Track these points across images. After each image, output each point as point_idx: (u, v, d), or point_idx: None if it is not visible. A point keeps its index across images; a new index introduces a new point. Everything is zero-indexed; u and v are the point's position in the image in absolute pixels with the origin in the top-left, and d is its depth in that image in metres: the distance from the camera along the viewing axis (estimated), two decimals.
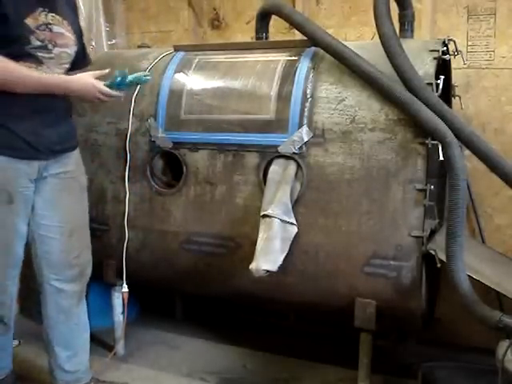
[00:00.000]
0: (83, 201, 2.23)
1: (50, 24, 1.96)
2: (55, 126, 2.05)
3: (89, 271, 2.26)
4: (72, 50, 2.07)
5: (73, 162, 2.16)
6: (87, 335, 2.30)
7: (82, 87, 1.98)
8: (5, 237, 2.00)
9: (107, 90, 1.99)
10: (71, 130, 2.17)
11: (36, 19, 1.91)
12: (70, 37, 2.05)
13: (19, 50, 1.88)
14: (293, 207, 2.19)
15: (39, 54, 1.93)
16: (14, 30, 1.86)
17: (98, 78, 2.03)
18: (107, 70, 2.07)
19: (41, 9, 1.93)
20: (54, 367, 2.23)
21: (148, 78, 2.09)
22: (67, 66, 2.06)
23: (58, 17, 2.00)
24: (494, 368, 1.82)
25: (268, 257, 2.10)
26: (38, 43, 1.92)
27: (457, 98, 2.54)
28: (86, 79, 1.98)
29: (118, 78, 1.99)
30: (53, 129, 2.04)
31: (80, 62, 2.14)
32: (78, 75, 2.01)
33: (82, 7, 3.24)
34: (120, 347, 2.71)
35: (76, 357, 2.24)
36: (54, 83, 1.95)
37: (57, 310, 2.18)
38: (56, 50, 1.98)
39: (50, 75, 1.96)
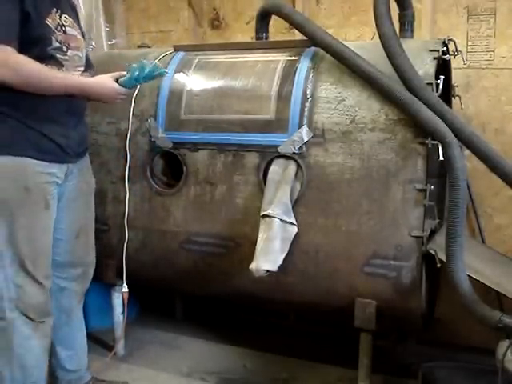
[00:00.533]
0: (91, 203, 2.25)
1: (64, 26, 1.95)
2: (77, 127, 2.06)
3: (91, 271, 2.27)
4: (83, 53, 2.07)
5: (86, 165, 2.18)
6: (85, 334, 2.32)
7: (102, 90, 1.99)
8: (49, 244, 2.00)
9: (125, 90, 2.00)
10: (87, 132, 2.19)
11: (54, 19, 1.91)
12: (81, 39, 2.05)
13: (41, 51, 1.86)
14: (293, 207, 2.19)
15: (58, 55, 1.91)
16: (37, 29, 1.85)
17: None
18: (125, 73, 2.05)
19: (55, 9, 1.92)
20: (56, 368, 2.23)
21: (164, 70, 2.07)
22: (81, 69, 2.05)
23: (70, 18, 1.99)
24: (494, 368, 1.82)
25: (268, 257, 2.10)
26: (57, 44, 1.91)
27: (457, 98, 2.54)
28: (106, 82, 1.98)
29: (136, 72, 1.97)
30: (76, 131, 2.04)
31: (87, 65, 2.12)
32: (98, 77, 2.01)
33: (82, 7, 3.24)
34: (120, 347, 2.71)
35: (77, 355, 2.26)
36: (75, 85, 1.94)
37: (59, 310, 2.17)
38: (70, 53, 1.97)
39: (72, 76, 1.95)
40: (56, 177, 1.97)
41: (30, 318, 1.95)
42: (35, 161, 1.89)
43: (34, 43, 1.85)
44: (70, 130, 2.00)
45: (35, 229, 1.94)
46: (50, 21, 1.89)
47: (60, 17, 1.94)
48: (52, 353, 2.22)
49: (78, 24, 2.10)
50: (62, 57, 1.93)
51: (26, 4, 1.80)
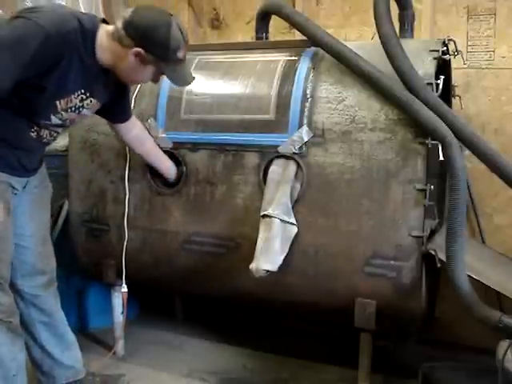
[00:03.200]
0: (49, 209, 2.25)
1: (83, 107, 1.95)
2: (41, 152, 2.09)
3: (55, 276, 2.26)
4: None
5: (43, 171, 2.18)
6: (69, 328, 2.30)
7: None
8: (9, 250, 1.98)
9: None
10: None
11: (69, 101, 1.88)
12: (88, 115, 2.06)
13: (35, 119, 1.89)
14: (293, 207, 2.19)
15: (51, 128, 1.95)
16: (43, 103, 1.84)
17: None
18: None
19: (81, 91, 1.89)
20: (52, 367, 2.23)
21: None
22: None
23: (94, 101, 1.98)
24: (494, 368, 1.82)
25: (268, 257, 2.10)
26: (59, 122, 1.93)
27: (457, 97, 2.54)
28: None
29: None
30: (40, 154, 2.09)
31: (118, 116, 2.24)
32: None
33: (82, 7, 3.24)
34: (120, 347, 2.71)
35: (69, 350, 2.27)
36: None
37: (39, 314, 2.18)
38: (67, 123, 2.00)
39: None
40: (13, 187, 1.97)
41: None
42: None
43: (34, 112, 1.86)
44: (33, 157, 2.03)
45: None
46: (62, 102, 1.87)
47: (84, 99, 1.92)
48: (46, 355, 2.22)
49: (106, 100, 2.05)
50: (55, 129, 1.97)
51: (47, 79, 1.76)
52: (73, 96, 1.89)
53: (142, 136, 2.37)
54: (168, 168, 2.43)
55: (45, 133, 1.98)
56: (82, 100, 1.93)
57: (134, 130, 2.32)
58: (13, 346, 1.98)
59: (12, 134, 1.89)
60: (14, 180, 1.97)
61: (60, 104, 1.87)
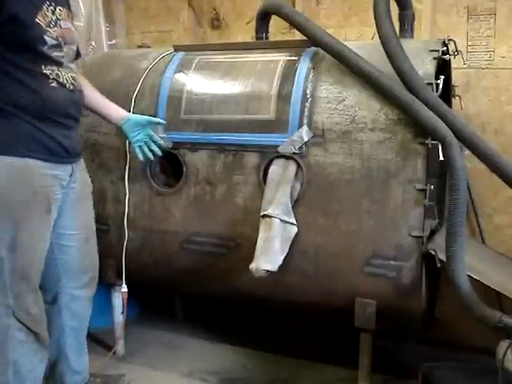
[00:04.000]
0: (92, 203, 2.24)
1: (59, 19, 1.89)
2: (75, 128, 2.03)
3: (97, 275, 2.27)
4: (75, 46, 2.02)
5: (83, 166, 2.16)
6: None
7: None
8: (44, 251, 1.95)
9: None
10: (79, 133, 2.15)
11: (45, 16, 1.83)
12: (74, 31, 2.01)
13: (36, 52, 1.82)
14: (293, 207, 2.19)
15: (55, 53, 1.87)
16: (26, 30, 1.78)
17: None
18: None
19: (47, 3, 1.85)
20: (65, 372, 2.21)
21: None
22: (74, 62, 2.02)
23: (64, 10, 1.93)
24: (494, 368, 1.82)
25: (268, 257, 2.10)
26: (54, 42, 1.86)
27: (457, 97, 2.54)
28: None
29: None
30: (74, 131, 2.02)
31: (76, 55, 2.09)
32: None
33: (82, 7, 3.24)
34: (120, 347, 2.71)
35: (83, 356, 2.26)
36: None
37: (71, 318, 2.17)
38: (66, 48, 1.93)
39: None
40: (60, 179, 1.94)
41: (26, 327, 1.92)
42: (41, 162, 1.85)
43: (26, 45, 1.80)
44: (70, 131, 1.97)
45: (35, 235, 1.90)
46: (41, 18, 1.82)
47: (54, 10, 1.87)
48: (60, 360, 2.21)
49: (71, 13, 2.03)
50: (59, 54, 1.89)
51: (10, 4, 1.73)
52: (44, 9, 1.83)
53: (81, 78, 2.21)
54: (107, 106, 2.26)
55: (63, 76, 1.90)
56: (53, 12, 1.87)
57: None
58: (34, 357, 1.97)
59: (35, 90, 1.81)
60: (58, 169, 1.92)
61: (40, 20, 1.81)
